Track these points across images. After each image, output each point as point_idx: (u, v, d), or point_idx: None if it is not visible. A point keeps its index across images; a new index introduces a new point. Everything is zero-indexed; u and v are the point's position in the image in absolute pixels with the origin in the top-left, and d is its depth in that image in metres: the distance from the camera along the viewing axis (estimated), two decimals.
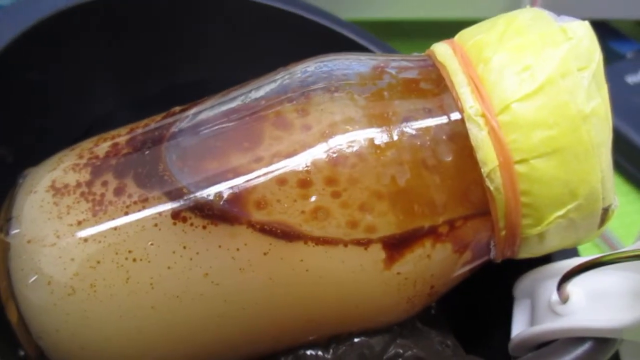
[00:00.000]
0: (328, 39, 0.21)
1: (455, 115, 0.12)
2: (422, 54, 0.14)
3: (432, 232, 0.12)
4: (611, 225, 0.27)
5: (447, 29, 0.15)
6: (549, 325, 0.13)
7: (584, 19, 0.12)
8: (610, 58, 0.38)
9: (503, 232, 0.13)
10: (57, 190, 0.14)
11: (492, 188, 0.12)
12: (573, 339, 0.13)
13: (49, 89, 0.18)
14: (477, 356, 0.15)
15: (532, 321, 0.15)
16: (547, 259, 0.15)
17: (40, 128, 0.17)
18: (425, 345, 0.15)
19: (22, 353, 0.14)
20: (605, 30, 0.40)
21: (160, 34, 0.20)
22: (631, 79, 0.35)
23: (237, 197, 0.12)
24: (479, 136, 0.12)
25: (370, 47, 0.20)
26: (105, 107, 0.19)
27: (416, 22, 0.30)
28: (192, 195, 0.13)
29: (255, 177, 0.13)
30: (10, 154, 0.16)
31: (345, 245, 0.12)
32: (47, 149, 0.16)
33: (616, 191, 0.13)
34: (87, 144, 0.15)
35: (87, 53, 0.19)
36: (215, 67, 0.22)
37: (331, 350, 0.14)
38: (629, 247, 0.13)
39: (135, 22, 0.20)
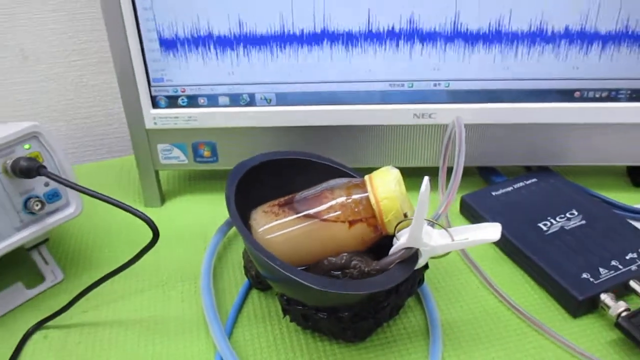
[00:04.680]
0: (338, 173, 0.60)
1: (367, 195, 0.50)
2: (362, 178, 0.53)
3: (361, 220, 0.50)
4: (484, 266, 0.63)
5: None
6: (393, 248, 0.50)
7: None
8: (490, 183, 0.76)
9: (380, 221, 0.50)
10: (265, 212, 0.52)
11: (376, 210, 0.50)
12: (399, 250, 0.49)
13: (268, 192, 0.57)
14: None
15: None
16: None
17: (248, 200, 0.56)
18: (364, 259, 0.51)
19: None
20: (490, 170, 0.78)
21: (283, 176, 0.60)
22: (494, 193, 0.72)
23: (317, 212, 0.51)
24: (373, 200, 0.50)
25: (356, 175, 0.59)
26: (265, 199, 0.58)
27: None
28: (304, 212, 0.51)
29: (320, 208, 0.51)
30: (250, 207, 0.55)
31: (339, 222, 0.50)
32: (257, 204, 0.55)
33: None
34: (271, 202, 0.54)
35: (263, 178, 0.58)
36: (301, 187, 0.61)
37: (339, 258, 0.51)
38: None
39: (278, 170, 0.60)
